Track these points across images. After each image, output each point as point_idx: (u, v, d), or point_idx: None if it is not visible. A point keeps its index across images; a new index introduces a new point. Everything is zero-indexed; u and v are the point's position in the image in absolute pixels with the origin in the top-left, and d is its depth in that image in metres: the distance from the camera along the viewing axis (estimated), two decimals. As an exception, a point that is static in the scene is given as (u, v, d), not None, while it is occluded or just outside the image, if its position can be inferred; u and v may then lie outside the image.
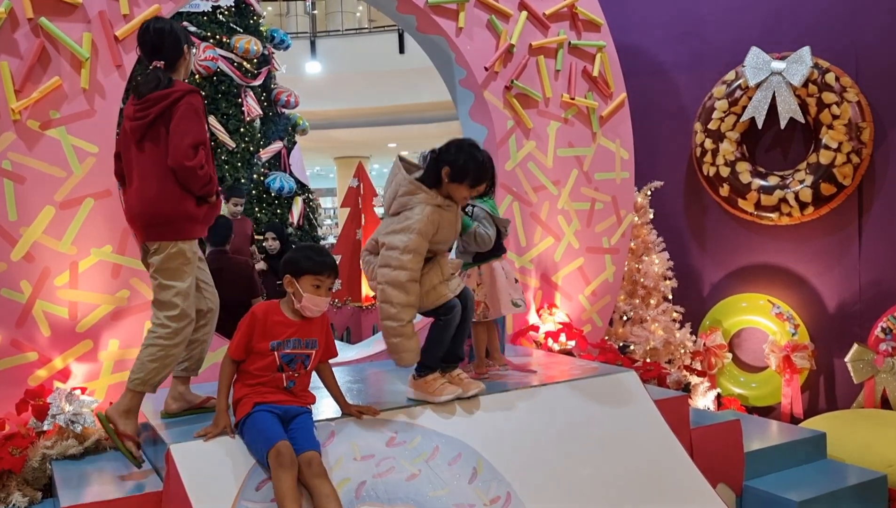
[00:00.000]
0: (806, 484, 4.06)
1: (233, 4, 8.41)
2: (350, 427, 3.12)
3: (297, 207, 8.77)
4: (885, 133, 5.46)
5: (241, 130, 8.20)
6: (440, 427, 3.27)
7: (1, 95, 3.60)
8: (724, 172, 5.85)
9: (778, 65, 5.61)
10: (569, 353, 4.84)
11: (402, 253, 3.14)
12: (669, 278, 5.90)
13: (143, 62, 3.36)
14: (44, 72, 3.70)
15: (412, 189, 3.23)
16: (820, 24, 5.70)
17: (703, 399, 5.50)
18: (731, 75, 5.91)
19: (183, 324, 3.18)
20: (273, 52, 8.93)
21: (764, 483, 4.10)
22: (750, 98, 5.74)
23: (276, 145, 8.65)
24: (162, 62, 3.21)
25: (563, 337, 4.94)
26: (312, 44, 16.05)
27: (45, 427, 3.47)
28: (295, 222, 8.66)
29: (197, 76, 7.87)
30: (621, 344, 5.61)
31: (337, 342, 3.25)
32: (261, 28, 8.73)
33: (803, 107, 5.59)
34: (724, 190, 5.89)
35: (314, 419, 3.04)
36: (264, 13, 9.23)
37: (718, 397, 5.71)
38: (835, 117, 5.45)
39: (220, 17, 8.22)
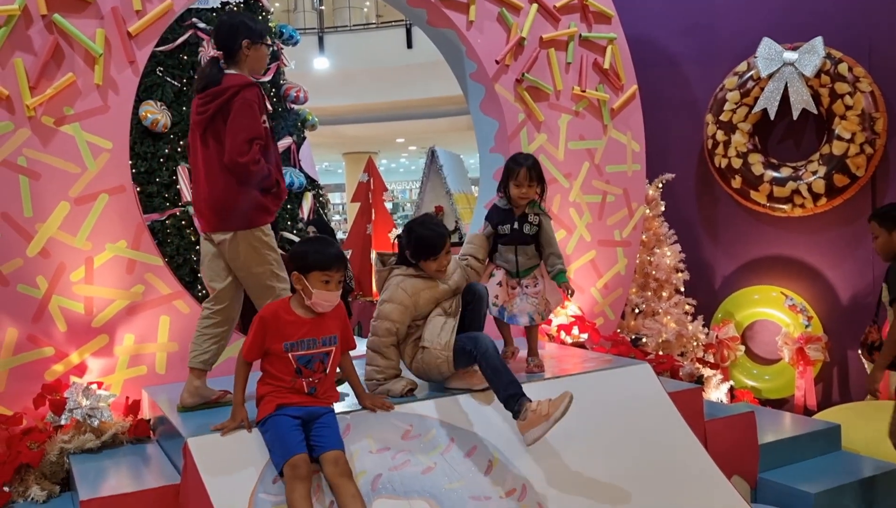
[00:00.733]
0: (821, 476, 4.05)
1: (241, 1, 8.40)
2: (366, 421, 3.13)
3: (307, 202, 8.76)
4: (898, 123, 5.43)
5: (251, 126, 8.21)
6: (455, 420, 3.28)
7: (16, 92, 3.61)
8: (736, 163, 5.83)
9: (790, 55, 5.58)
10: (581, 346, 4.84)
11: (375, 319, 3.36)
12: (681, 271, 5.89)
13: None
14: (58, 68, 3.71)
15: (385, 274, 3.47)
16: (832, 13, 5.66)
17: (716, 392, 5.48)
18: (742, 66, 5.88)
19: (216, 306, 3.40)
20: (281, 48, 8.91)
21: (778, 475, 4.09)
22: (762, 89, 5.71)
23: (286, 141, 8.64)
24: (221, 53, 3.36)
25: (575, 330, 4.94)
26: (320, 39, 16.06)
27: (63, 422, 3.50)
28: (305, 217, 8.66)
29: (207, 72, 7.88)
30: (633, 337, 5.61)
31: None
32: (269, 24, 8.72)
33: (816, 98, 5.56)
34: (737, 182, 5.86)
35: None
36: (272, 9, 9.23)
37: (731, 389, 5.70)
38: (848, 108, 5.42)
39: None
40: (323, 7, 17.39)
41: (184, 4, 4.10)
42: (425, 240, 3.35)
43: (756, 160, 5.78)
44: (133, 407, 3.71)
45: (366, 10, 18.47)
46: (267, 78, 8.45)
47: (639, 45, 5.65)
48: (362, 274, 9.27)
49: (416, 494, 2.94)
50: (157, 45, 7.37)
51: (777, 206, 5.76)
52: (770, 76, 5.64)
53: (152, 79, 7.71)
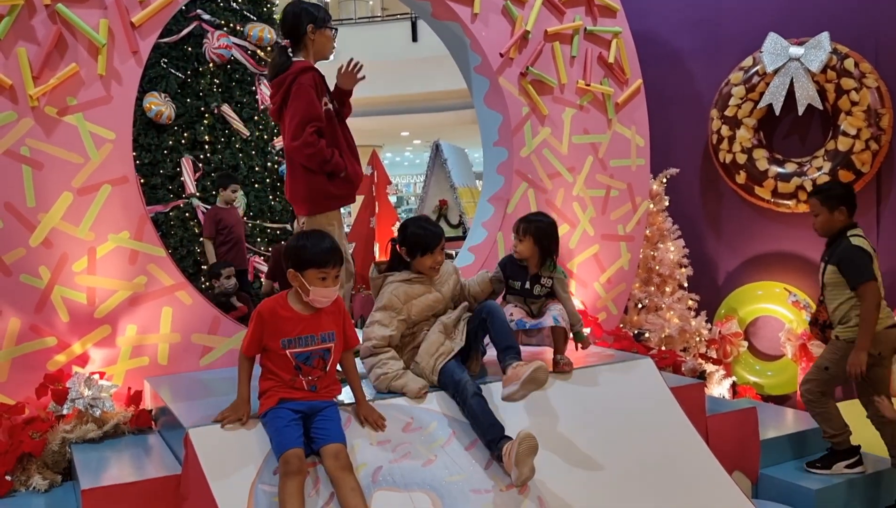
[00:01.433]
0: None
1: (247, -7, 8.39)
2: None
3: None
4: (904, 119, 5.40)
5: (255, 118, 8.19)
6: (456, 414, 3.27)
7: (19, 82, 3.61)
8: (741, 159, 5.81)
9: (796, 50, 5.55)
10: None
11: (368, 326, 3.36)
12: (685, 266, 5.88)
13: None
14: (61, 58, 3.71)
15: (379, 282, 3.46)
16: (839, 9, 5.63)
17: (718, 388, 5.48)
18: (748, 61, 5.86)
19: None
20: (287, 41, 8.92)
21: (780, 471, 4.10)
22: (767, 84, 5.69)
23: (291, 133, 8.65)
24: (288, 41, 3.47)
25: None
26: (325, 32, 16.01)
27: (65, 411, 3.50)
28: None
29: (211, 64, 7.87)
30: (636, 332, 5.60)
31: None
32: (274, 16, 8.70)
33: (822, 93, 5.53)
34: (741, 177, 5.84)
35: None
36: (277, 1, 9.21)
37: (734, 385, 5.69)
38: (853, 104, 5.40)
39: (234, 4, 8.20)
40: (328, 0, 17.37)
41: (188, -5, 4.09)
42: (420, 236, 3.37)
43: (761, 156, 5.76)
44: (135, 398, 3.71)
45: (371, 3, 18.44)
46: (272, 71, 8.46)
47: (644, 39, 5.63)
48: (365, 268, 9.28)
49: (416, 487, 2.94)
50: (161, 37, 7.39)
51: (781, 201, 5.74)
52: (776, 71, 5.62)
53: (157, 70, 7.72)
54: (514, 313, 3.66)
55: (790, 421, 4.60)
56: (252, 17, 8.32)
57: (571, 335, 3.76)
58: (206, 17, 7.95)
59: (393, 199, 12.60)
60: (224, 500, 2.69)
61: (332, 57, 3.69)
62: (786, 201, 5.71)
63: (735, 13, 6.05)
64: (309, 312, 2.90)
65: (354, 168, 3.48)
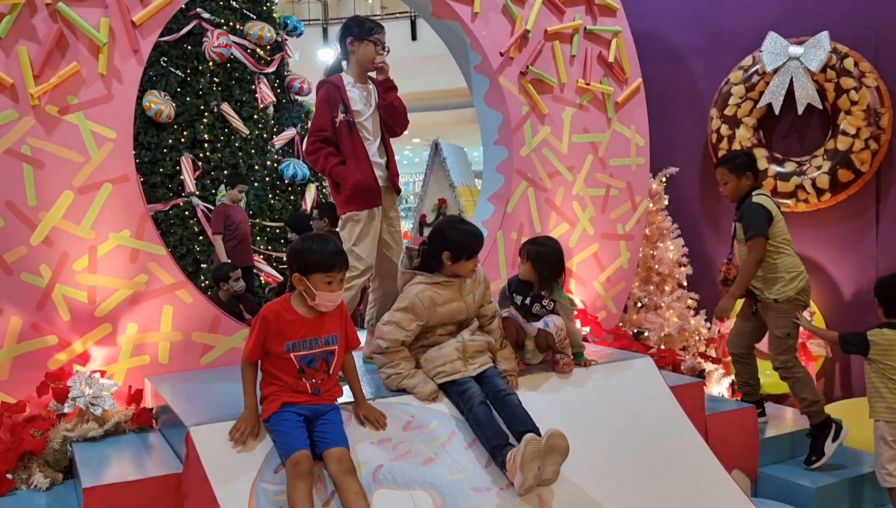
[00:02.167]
0: (821, 471, 4.06)
1: (248, -9, 8.39)
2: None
3: (311, 193, 8.78)
4: (904, 119, 5.41)
5: (255, 116, 8.21)
6: (456, 412, 3.28)
7: (20, 81, 3.61)
8: (741, 158, 5.81)
9: (796, 50, 5.56)
10: (583, 339, 4.83)
11: (385, 323, 3.30)
12: (684, 265, 5.89)
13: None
14: (62, 57, 3.71)
15: (408, 277, 3.38)
16: (838, 8, 5.63)
17: (718, 386, 5.49)
18: (747, 61, 5.86)
19: (353, 275, 3.54)
20: (286, 39, 8.92)
21: (779, 469, 4.11)
22: (767, 84, 5.69)
23: (290, 132, 8.66)
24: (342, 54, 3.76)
25: (577, 323, 4.94)
26: (325, 31, 16.04)
27: (66, 410, 3.51)
28: (308, 209, 8.67)
29: (210, 63, 7.88)
30: (636, 331, 5.60)
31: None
32: (274, 15, 8.72)
33: (821, 92, 5.54)
34: (740, 177, 5.84)
35: None
36: (277, 0, 9.22)
37: (733, 384, 5.69)
38: (853, 103, 5.40)
39: (234, 3, 8.22)
40: (328, -1, 17.36)
41: (188, -6, 4.09)
42: (466, 240, 3.29)
43: (760, 155, 5.76)
44: (136, 396, 3.72)
45: (370, 1, 18.43)
46: (271, 69, 8.46)
47: (644, 38, 5.63)
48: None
49: (416, 485, 2.95)
50: (161, 35, 7.39)
51: (781, 201, 5.72)
52: (775, 71, 5.62)
53: (157, 69, 7.73)
54: (511, 311, 3.66)
55: (789, 420, 4.61)
56: (252, 15, 8.33)
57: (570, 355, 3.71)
58: (206, 15, 7.95)
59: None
60: (225, 498, 2.70)
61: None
62: (785, 201, 5.71)
63: (735, 12, 6.05)
64: (312, 314, 2.89)
65: (356, 178, 3.62)
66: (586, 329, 4.95)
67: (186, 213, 7.68)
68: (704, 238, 6.28)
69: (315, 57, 15.30)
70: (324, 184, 9.07)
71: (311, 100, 9.18)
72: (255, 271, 7.00)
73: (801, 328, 4.20)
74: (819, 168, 5.53)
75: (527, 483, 2.91)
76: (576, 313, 4.61)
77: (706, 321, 5.85)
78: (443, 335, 3.37)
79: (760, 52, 5.71)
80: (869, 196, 5.55)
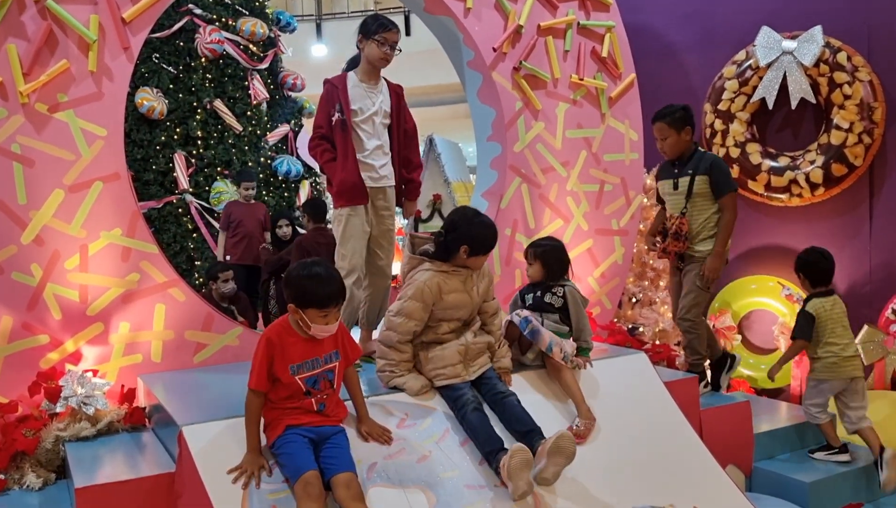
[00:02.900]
0: (815, 465, 4.08)
1: (239, -13, 8.35)
2: (361, 409, 3.12)
3: (305, 190, 8.75)
4: (897, 113, 5.42)
5: (248, 113, 8.16)
6: (451, 409, 3.27)
7: (9, 79, 3.59)
8: (734, 153, 5.82)
9: (789, 44, 5.56)
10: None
11: (395, 315, 3.24)
12: (679, 261, 5.87)
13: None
14: (51, 55, 3.68)
15: (415, 263, 3.32)
16: (831, 2, 5.64)
17: (712, 381, 5.48)
18: (741, 55, 5.86)
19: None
20: (279, 35, 8.87)
21: (773, 464, 4.12)
22: (760, 78, 5.70)
23: (283, 129, 8.62)
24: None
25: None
26: (318, 26, 15.97)
27: (58, 409, 3.49)
28: (301, 205, 8.65)
29: (203, 59, 7.83)
30: (630, 326, 5.61)
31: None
32: (266, 11, 8.67)
33: (814, 87, 5.54)
34: (734, 171, 5.84)
35: None
36: (270, -5, 9.17)
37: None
38: (846, 97, 5.41)
39: (226, -1, 8.17)
40: (321, -7, 17.30)
41: (178, -10, 4.06)
42: (485, 235, 3.25)
43: (754, 150, 5.77)
44: (128, 395, 3.71)
45: (364, -3, 18.36)
46: (264, 65, 8.42)
47: (637, 33, 5.62)
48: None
49: (410, 482, 2.94)
50: (153, 32, 7.34)
51: (775, 195, 5.75)
52: (769, 65, 5.63)
53: (149, 66, 7.68)
54: (521, 311, 3.62)
55: (784, 414, 4.62)
56: (244, 11, 8.28)
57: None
58: (198, 11, 7.91)
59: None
60: (218, 498, 2.68)
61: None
62: (779, 195, 5.72)
63: (728, 7, 6.05)
64: (310, 335, 2.83)
65: (341, 176, 3.72)
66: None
67: (180, 210, 7.63)
68: (699, 233, 6.27)
69: (308, 53, 15.25)
70: (317, 180, 9.06)
71: (304, 96, 9.15)
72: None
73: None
74: (813, 162, 5.53)
75: (519, 490, 2.91)
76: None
77: (701, 315, 5.85)
78: (446, 333, 3.30)
79: (754, 46, 5.71)
80: (862, 190, 5.56)
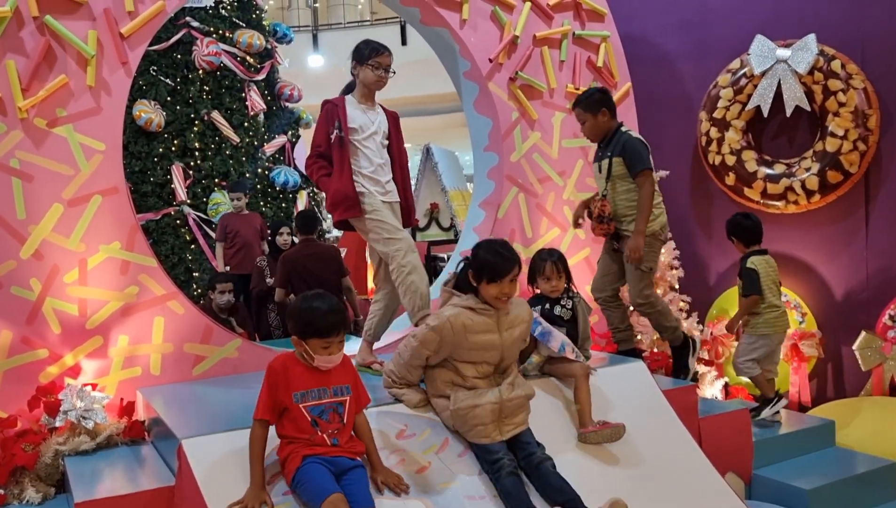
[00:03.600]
0: (815, 472, 4.08)
1: (235, -1, 8.39)
2: (360, 421, 3.13)
3: (302, 200, 8.77)
4: (891, 120, 5.44)
5: (245, 124, 8.20)
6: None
7: (8, 94, 3.61)
8: (730, 160, 5.84)
9: (783, 52, 5.59)
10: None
11: (414, 338, 3.13)
12: (676, 268, 5.89)
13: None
14: (50, 70, 3.71)
15: (446, 297, 3.20)
16: (825, 10, 5.66)
17: (711, 389, 5.49)
18: (735, 63, 5.89)
19: (400, 259, 3.69)
20: (276, 47, 8.92)
21: (773, 471, 4.11)
22: (755, 86, 5.72)
23: (280, 139, 8.65)
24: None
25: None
26: (315, 37, 16.03)
27: (57, 424, 3.49)
28: (300, 216, 8.67)
29: (200, 71, 7.87)
30: (628, 334, 5.60)
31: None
32: (263, 22, 8.72)
33: (809, 94, 5.57)
34: (730, 179, 5.87)
35: None
36: (266, 7, 9.21)
37: (726, 386, 5.70)
38: (841, 105, 5.43)
39: (223, 11, 8.21)
40: (317, 4, 17.36)
41: (176, 5, 4.09)
42: (489, 260, 3.05)
43: (750, 157, 5.79)
44: (128, 409, 3.71)
45: (360, 7, 18.43)
46: (261, 76, 8.46)
47: (632, 42, 5.65)
48: (357, 273, 9.26)
49: (410, 494, 2.94)
50: (150, 45, 7.36)
51: (771, 203, 5.77)
52: (763, 73, 5.65)
53: (146, 78, 7.72)
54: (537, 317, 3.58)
55: (783, 421, 4.62)
56: (241, 23, 8.33)
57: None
58: (196, 24, 7.95)
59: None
60: (218, 512, 2.69)
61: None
62: (775, 202, 5.74)
63: (722, 15, 6.08)
64: (314, 366, 2.80)
65: (334, 186, 3.77)
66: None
67: (178, 222, 7.65)
68: (696, 240, 6.30)
69: (305, 64, 15.29)
70: (314, 190, 9.08)
71: (301, 106, 9.19)
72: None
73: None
74: (808, 170, 5.55)
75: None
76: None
77: (699, 323, 5.87)
78: (476, 378, 3.11)
79: (748, 55, 5.74)
80: (858, 197, 5.58)
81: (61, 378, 3.71)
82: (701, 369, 5.49)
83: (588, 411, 3.43)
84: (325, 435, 2.75)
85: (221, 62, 7.93)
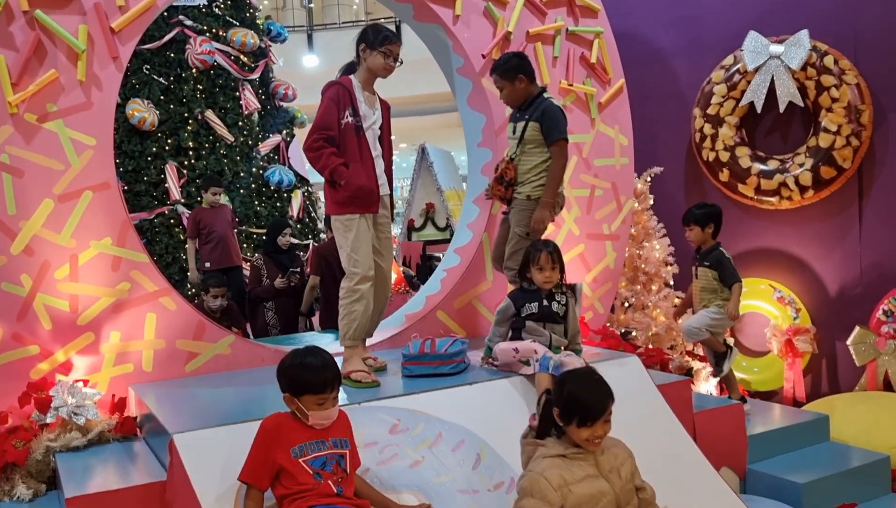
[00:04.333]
0: (809, 467, 4.08)
1: (229, -2, 8.37)
2: (353, 414, 3.09)
3: (297, 200, 8.75)
4: (884, 115, 5.45)
5: (240, 123, 8.17)
6: (443, 414, 3.28)
7: (-2, 89, 3.58)
8: (724, 157, 5.84)
9: (776, 48, 5.59)
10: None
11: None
12: (671, 264, 5.90)
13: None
14: (40, 65, 3.68)
15: (529, 451, 2.69)
16: (818, 6, 5.68)
17: (706, 384, 5.49)
18: (729, 60, 5.89)
19: (352, 283, 3.65)
20: (270, 46, 8.90)
21: (767, 465, 4.12)
22: (748, 82, 5.73)
23: (275, 139, 8.63)
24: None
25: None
26: (310, 37, 16.03)
27: (48, 420, 3.47)
28: (295, 215, 8.65)
29: (194, 70, 7.84)
30: (623, 331, 5.61)
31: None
32: (257, 21, 8.70)
33: (802, 90, 5.57)
34: (724, 175, 5.87)
35: None
36: (261, 6, 9.19)
37: (721, 382, 5.70)
38: (834, 100, 5.44)
39: (217, 10, 8.18)
40: (312, 5, 17.35)
41: (166, 1, 4.06)
42: (579, 399, 2.54)
43: (743, 153, 5.80)
44: (119, 405, 3.69)
45: (355, 7, 18.45)
46: (255, 76, 8.44)
47: (626, 39, 5.65)
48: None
49: (404, 488, 2.94)
50: (143, 43, 7.35)
51: (765, 199, 5.77)
52: (756, 69, 5.66)
53: (140, 77, 7.69)
54: (537, 349, 3.52)
55: (777, 416, 4.62)
56: (235, 22, 8.30)
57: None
58: (189, 22, 7.92)
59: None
60: (210, 505, 2.67)
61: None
62: (769, 198, 5.75)
63: (715, 12, 6.09)
64: (309, 425, 2.68)
65: (360, 182, 3.63)
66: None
67: (172, 221, 7.63)
68: (690, 237, 6.29)
69: (300, 63, 15.29)
70: (309, 190, 9.06)
71: (295, 106, 9.17)
72: (243, 272, 6.90)
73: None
74: (802, 165, 5.56)
75: None
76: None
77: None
78: None
79: (741, 51, 5.74)
80: (852, 192, 5.59)
81: (52, 375, 3.68)
82: (696, 365, 5.50)
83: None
84: (330, 483, 2.59)
85: (215, 61, 7.91)
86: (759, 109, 5.71)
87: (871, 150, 5.50)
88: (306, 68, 15.50)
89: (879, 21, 5.47)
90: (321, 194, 5.16)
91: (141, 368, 3.90)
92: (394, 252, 4.58)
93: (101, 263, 3.80)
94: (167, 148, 7.70)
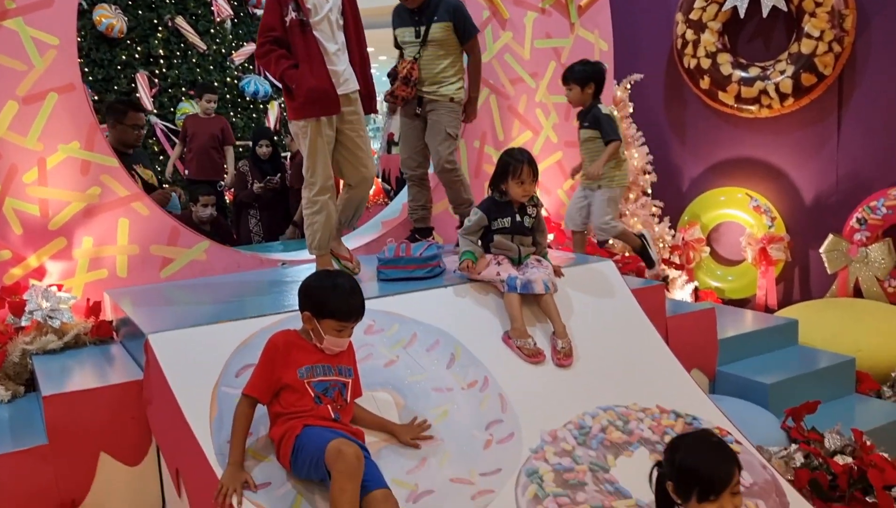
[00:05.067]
0: (777, 368, 4.17)
1: None
2: (328, 315, 3.13)
3: (273, 111, 8.59)
4: (867, 21, 5.36)
5: (212, 31, 7.94)
6: (418, 315, 3.30)
7: (-48, -16, 3.43)
8: (705, 63, 5.77)
9: (761, -49, 5.46)
10: (548, 246, 4.84)
11: None
12: (649, 173, 5.89)
13: None
14: (-4, -41, 3.52)
15: None
16: None
17: (681, 292, 5.57)
18: (713, -37, 5.75)
19: (311, 194, 3.54)
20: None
21: (736, 367, 4.20)
22: (732, -14, 5.60)
23: (249, 48, 8.40)
24: None
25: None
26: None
27: (23, 324, 3.47)
28: (271, 126, 8.51)
29: (163, -26, 7.57)
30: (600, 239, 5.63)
31: None
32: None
33: (786, -6, 5.47)
34: (705, 82, 5.81)
35: None
36: None
37: (696, 290, 5.79)
38: (817, 4, 5.34)
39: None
40: None
41: None
42: (700, 473, 2.13)
43: (725, 60, 5.72)
44: (94, 309, 3.69)
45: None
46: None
47: (608, -61, 5.48)
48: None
49: (378, 386, 2.97)
50: (107, -57, 7.03)
51: (744, 107, 5.73)
52: (741, -28, 5.53)
53: (105, -20, 7.40)
54: (500, 271, 3.45)
55: (748, 321, 4.70)
56: (204, -78, 7.97)
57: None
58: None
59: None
60: (187, 403, 2.69)
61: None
62: (749, 107, 5.70)
63: (701, -88, 5.90)
64: (320, 348, 2.62)
65: (309, 83, 3.38)
66: (550, 236, 4.96)
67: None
68: (669, 146, 6.28)
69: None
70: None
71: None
72: (220, 187, 6.83)
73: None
74: (783, 73, 5.50)
75: None
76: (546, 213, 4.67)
77: (670, 228, 5.91)
78: None
79: (726, -47, 5.60)
80: (831, 101, 5.55)
81: (26, 280, 3.66)
82: (672, 273, 5.56)
83: (559, 319, 3.41)
84: (329, 408, 2.54)
85: (184, -36, 7.63)
86: (741, 14, 5.61)
87: (853, 56, 5.44)
88: None
89: (867, -78, 5.33)
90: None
91: (115, 273, 3.88)
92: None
93: (69, 167, 3.73)
94: (137, 56, 7.50)
